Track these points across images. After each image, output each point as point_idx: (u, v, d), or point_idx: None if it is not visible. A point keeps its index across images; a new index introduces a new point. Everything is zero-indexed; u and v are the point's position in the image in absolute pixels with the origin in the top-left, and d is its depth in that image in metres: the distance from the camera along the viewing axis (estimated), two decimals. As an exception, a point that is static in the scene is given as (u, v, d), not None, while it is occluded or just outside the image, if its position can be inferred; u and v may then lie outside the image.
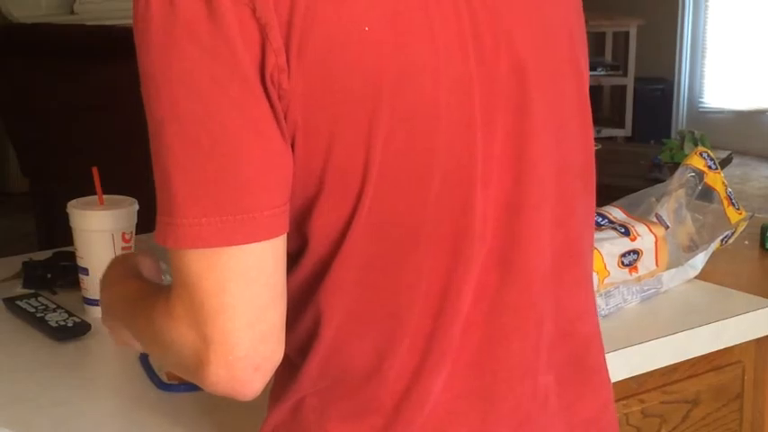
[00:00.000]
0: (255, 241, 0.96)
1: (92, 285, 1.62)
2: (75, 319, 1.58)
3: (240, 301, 0.96)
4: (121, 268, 1.25)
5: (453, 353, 1.06)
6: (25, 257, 1.82)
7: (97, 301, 1.61)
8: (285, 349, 1.04)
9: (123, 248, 1.61)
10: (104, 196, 1.64)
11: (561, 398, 1.13)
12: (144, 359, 1.42)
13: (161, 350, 1.05)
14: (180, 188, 0.95)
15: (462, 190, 1.03)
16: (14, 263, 1.81)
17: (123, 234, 1.61)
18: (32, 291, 1.70)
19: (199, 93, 0.94)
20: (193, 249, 0.95)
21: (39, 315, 1.59)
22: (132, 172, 2.85)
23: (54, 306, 1.62)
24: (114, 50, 3.70)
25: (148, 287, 1.15)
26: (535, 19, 1.08)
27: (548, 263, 1.10)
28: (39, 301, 1.64)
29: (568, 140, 1.12)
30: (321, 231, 1.01)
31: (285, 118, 0.96)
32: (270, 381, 1.03)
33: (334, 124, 0.97)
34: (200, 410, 1.32)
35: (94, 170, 1.62)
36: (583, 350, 1.16)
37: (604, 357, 1.21)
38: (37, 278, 1.74)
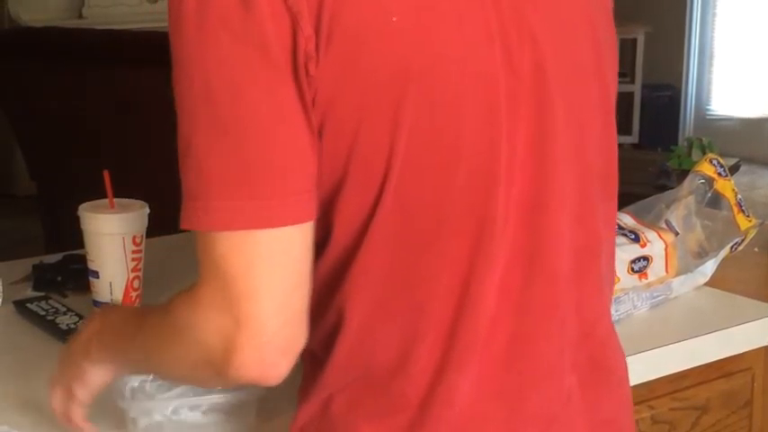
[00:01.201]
0: (284, 225, 0.98)
1: (102, 288, 1.62)
2: (85, 321, 1.58)
3: (268, 284, 0.98)
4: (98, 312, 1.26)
5: (480, 351, 1.06)
6: (36, 260, 1.82)
7: (107, 304, 1.62)
8: (310, 344, 1.05)
9: (134, 251, 1.61)
10: (115, 200, 1.64)
11: (584, 398, 1.14)
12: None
13: (174, 352, 1.05)
14: (211, 172, 0.97)
15: (486, 184, 1.04)
16: (25, 265, 1.82)
17: (134, 237, 1.61)
18: (43, 293, 1.71)
19: (230, 79, 0.96)
20: (223, 232, 0.97)
21: (49, 318, 1.60)
22: (141, 175, 2.86)
23: (64, 309, 1.63)
24: (123, 55, 3.71)
25: (145, 307, 1.15)
26: (558, 20, 1.09)
27: (570, 264, 1.11)
28: (49, 304, 1.64)
29: (590, 142, 1.13)
30: (345, 220, 1.03)
31: (313, 104, 0.98)
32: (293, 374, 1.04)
33: (360, 111, 0.99)
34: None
35: (106, 174, 1.62)
36: (601, 351, 1.17)
37: (622, 356, 1.22)
38: (47, 281, 1.75)
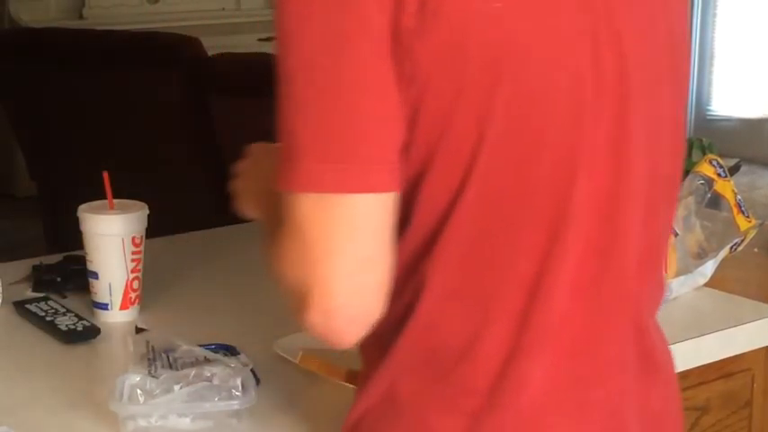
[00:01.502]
0: (367, 192, 1.01)
1: (101, 289, 1.62)
2: (84, 322, 1.58)
3: (343, 250, 1.01)
4: None
5: (551, 341, 1.08)
6: (35, 261, 1.82)
7: (106, 305, 1.62)
8: (378, 327, 1.06)
9: (133, 252, 1.61)
10: (115, 200, 1.64)
11: (638, 393, 1.16)
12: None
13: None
14: (302, 135, 1.01)
15: (567, 177, 1.06)
16: (25, 266, 1.82)
17: (134, 238, 1.61)
18: (43, 294, 1.71)
19: (330, 45, 0.99)
20: (306, 193, 1.01)
21: (48, 319, 1.60)
22: (140, 176, 2.86)
23: (64, 310, 1.63)
24: (124, 56, 3.70)
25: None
26: (640, 22, 1.11)
27: (635, 262, 1.13)
28: (48, 305, 1.64)
29: (661, 145, 1.15)
30: (430, 201, 1.06)
31: (412, 80, 1.01)
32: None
33: (456, 92, 1.02)
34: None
35: (105, 175, 1.62)
36: (651, 348, 1.20)
37: (670, 356, 1.25)
38: (47, 282, 1.74)
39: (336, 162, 1.00)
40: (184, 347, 1.35)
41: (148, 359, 1.30)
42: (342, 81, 1.00)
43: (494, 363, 1.08)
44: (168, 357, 1.31)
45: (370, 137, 1.01)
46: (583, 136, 1.06)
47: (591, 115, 1.06)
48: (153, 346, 1.33)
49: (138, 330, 1.40)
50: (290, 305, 1.06)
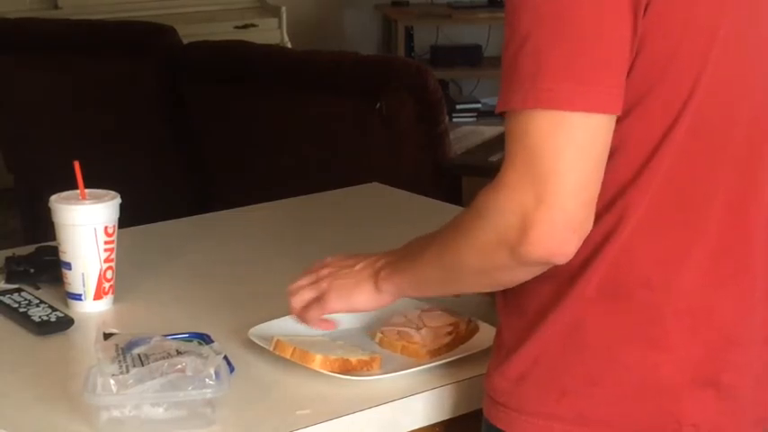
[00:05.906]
0: (603, 113, 1.09)
1: (75, 280, 1.61)
2: (58, 313, 1.57)
3: (572, 167, 1.08)
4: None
5: (746, 275, 1.17)
6: (8, 252, 1.80)
7: (80, 295, 1.61)
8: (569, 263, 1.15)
9: (106, 242, 1.60)
10: (86, 190, 1.63)
11: None
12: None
13: (471, 240, 1.15)
14: (546, 59, 1.08)
15: (764, 114, 1.17)
16: (-3, 258, 1.80)
17: (106, 228, 1.60)
18: (16, 286, 1.69)
19: None
20: (544, 111, 1.08)
21: (21, 310, 1.59)
22: (116, 167, 2.85)
23: (37, 301, 1.62)
24: (99, 45, 3.68)
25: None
26: None
27: None
28: (22, 296, 1.63)
29: None
30: (643, 132, 1.13)
31: (645, 11, 1.09)
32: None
33: (685, 23, 1.11)
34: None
35: (76, 164, 1.61)
36: None
37: None
38: (20, 273, 1.73)
39: (577, 82, 1.07)
40: (156, 339, 1.33)
41: (118, 362, 1.28)
42: (591, 11, 1.07)
43: (687, 294, 1.14)
44: (140, 357, 1.30)
45: (609, 62, 1.08)
46: None
47: None
48: (122, 349, 1.31)
49: (107, 336, 1.37)
50: (502, 239, 1.11)
